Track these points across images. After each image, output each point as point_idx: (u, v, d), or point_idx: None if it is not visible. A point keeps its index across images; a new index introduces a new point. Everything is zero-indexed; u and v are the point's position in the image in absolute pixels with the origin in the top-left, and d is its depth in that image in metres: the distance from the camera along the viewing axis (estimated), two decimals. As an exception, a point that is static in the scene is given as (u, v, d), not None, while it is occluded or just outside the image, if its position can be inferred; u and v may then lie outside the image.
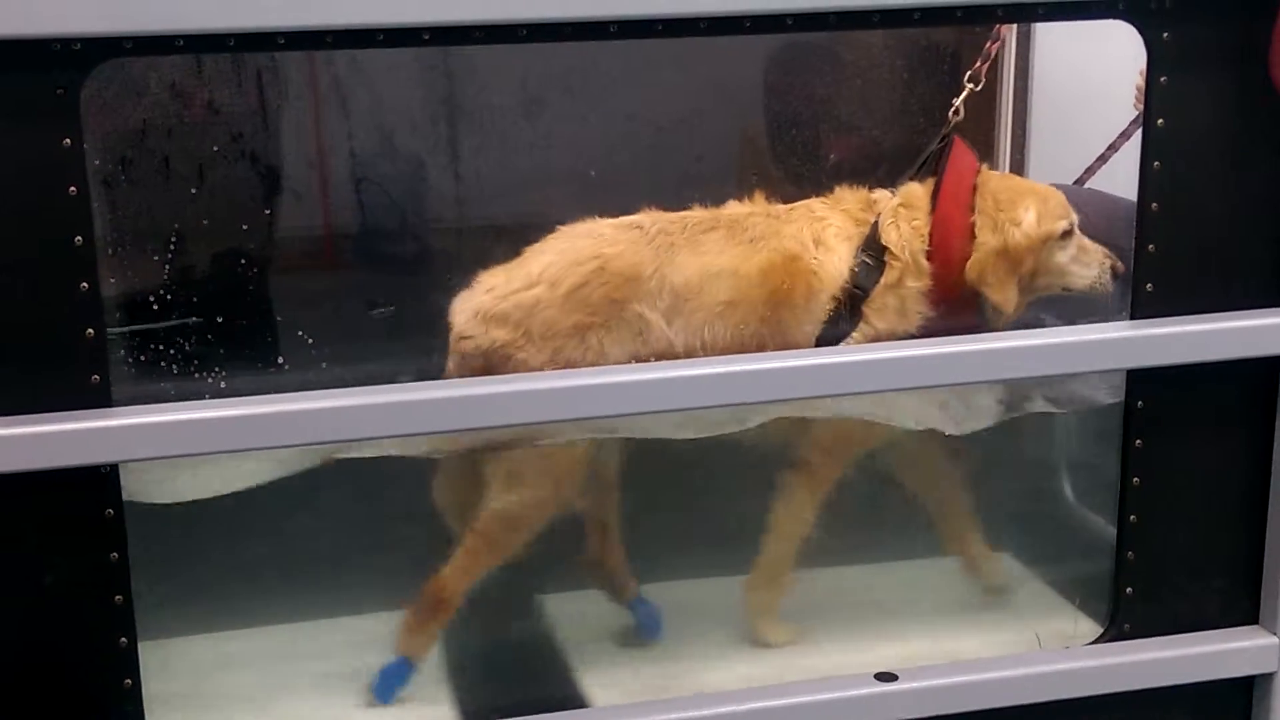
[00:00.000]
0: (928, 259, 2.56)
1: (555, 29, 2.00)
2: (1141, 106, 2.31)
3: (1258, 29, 2.16)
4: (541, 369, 2.44)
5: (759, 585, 2.75)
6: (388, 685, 2.53)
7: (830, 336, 2.54)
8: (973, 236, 2.56)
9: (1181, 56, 2.19)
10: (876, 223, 2.58)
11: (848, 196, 2.64)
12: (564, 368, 2.44)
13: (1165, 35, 2.18)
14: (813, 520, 2.69)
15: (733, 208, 2.62)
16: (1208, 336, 2.28)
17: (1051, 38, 3.32)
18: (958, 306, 2.58)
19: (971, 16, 2.17)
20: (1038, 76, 3.36)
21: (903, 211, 2.58)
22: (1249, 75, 2.20)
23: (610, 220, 2.57)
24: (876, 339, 2.54)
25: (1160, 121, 2.22)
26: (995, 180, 2.63)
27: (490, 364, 2.48)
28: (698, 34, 2.05)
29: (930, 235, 2.56)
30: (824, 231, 2.58)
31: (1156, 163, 2.24)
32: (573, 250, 2.53)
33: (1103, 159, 3.10)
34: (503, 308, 2.49)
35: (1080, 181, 3.21)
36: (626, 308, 2.49)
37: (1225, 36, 2.19)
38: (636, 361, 2.46)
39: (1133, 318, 2.30)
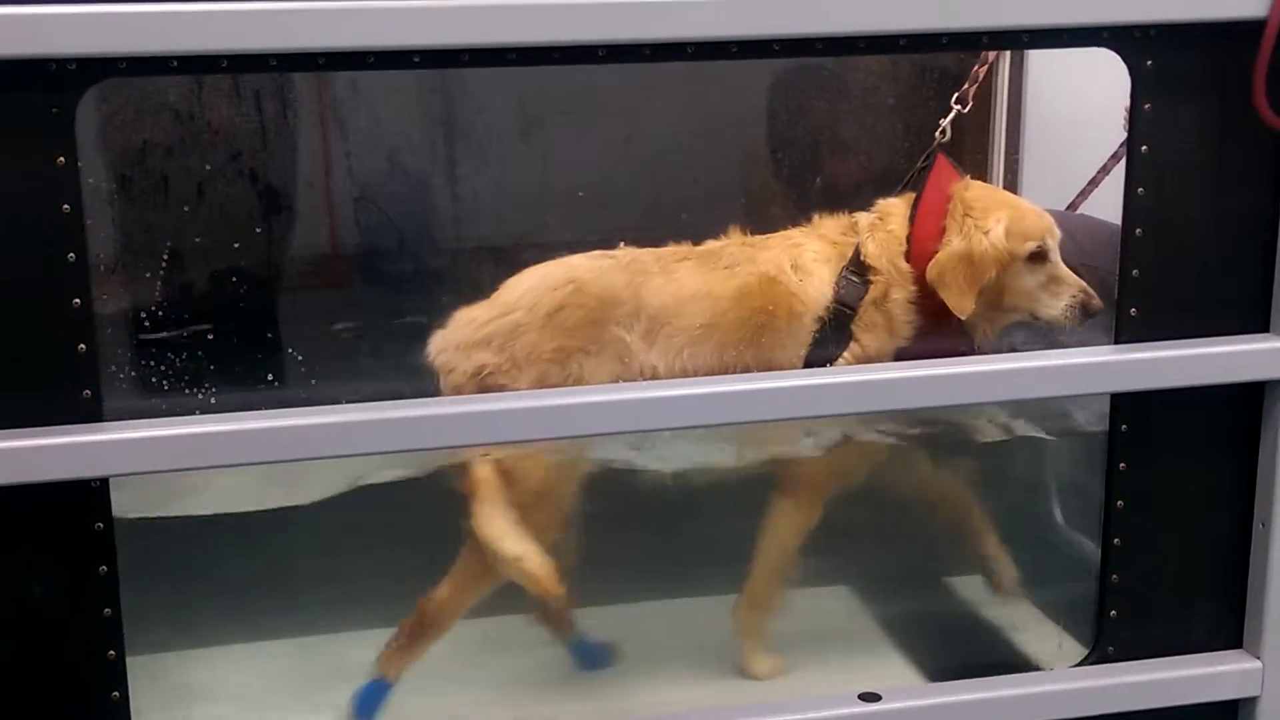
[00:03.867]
0: (908, 260, 2.57)
1: (544, 53, 2.02)
2: (1129, 131, 2.33)
3: (1241, 57, 2.17)
4: None
5: (745, 611, 2.74)
6: (368, 705, 2.54)
7: (818, 358, 2.55)
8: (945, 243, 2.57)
9: (1165, 84, 2.21)
10: (859, 243, 2.61)
11: (827, 223, 2.66)
12: None
13: (1149, 63, 2.20)
14: (799, 545, 2.70)
15: (708, 244, 2.63)
16: (1191, 361, 2.30)
17: (1044, 63, 3.34)
18: (946, 316, 2.57)
19: (957, 43, 2.18)
20: (1031, 101, 3.38)
21: (879, 223, 2.62)
22: (1232, 102, 2.21)
23: (582, 255, 2.59)
24: (865, 359, 2.55)
25: (1144, 148, 2.24)
26: (975, 189, 2.63)
27: (479, 389, 2.49)
28: (685, 59, 2.07)
29: (908, 239, 2.58)
30: (801, 256, 2.60)
31: (1140, 188, 2.26)
32: (548, 275, 2.56)
33: (1094, 183, 3.12)
34: (484, 333, 2.51)
35: (1073, 206, 3.23)
36: (606, 330, 2.50)
37: (1208, 64, 2.21)
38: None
39: (1117, 342, 2.32)
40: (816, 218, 2.66)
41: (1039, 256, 2.57)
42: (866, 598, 2.94)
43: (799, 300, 2.56)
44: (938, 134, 2.70)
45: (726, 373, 2.51)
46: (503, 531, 2.49)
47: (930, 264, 2.55)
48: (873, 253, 2.58)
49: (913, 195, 2.64)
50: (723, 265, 2.58)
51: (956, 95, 2.75)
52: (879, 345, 2.57)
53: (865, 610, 2.92)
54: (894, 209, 2.63)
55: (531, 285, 2.55)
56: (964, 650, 2.83)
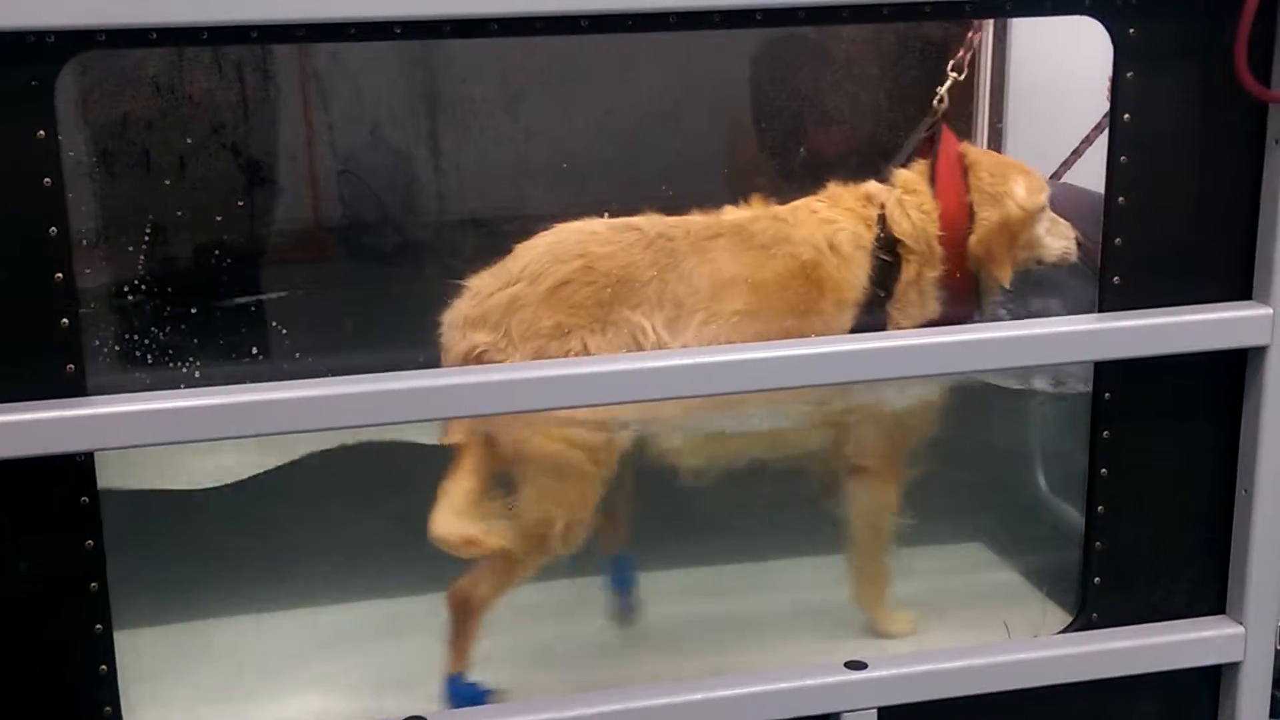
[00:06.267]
0: (940, 243, 2.56)
1: (526, 23, 2.02)
2: (1111, 100, 2.33)
3: (1223, 24, 2.17)
4: None
5: (860, 584, 2.74)
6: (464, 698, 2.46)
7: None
8: (972, 214, 2.58)
9: (1147, 52, 2.21)
10: (884, 218, 2.56)
11: (844, 194, 2.60)
12: None
13: (1131, 31, 2.20)
14: (891, 515, 2.70)
15: (732, 213, 2.55)
16: (1174, 329, 2.31)
17: (1027, 31, 3.34)
18: (962, 287, 2.58)
19: (940, 12, 2.17)
20: (1014, 70, 3.38)
21: (908, 199, 2.57)
22: (1214, 70, 2.22)
23: (607, 220, 2.50)
24: None
25: (1126, 116, 2.25)
26: (983, 156, 2.66)
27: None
28: (667, 29, 2.06)
29: (940, 218, 2.57)
30: (836, 235, 2.53)
31: (1123, 157, 2.27)
32: (559, 246, 2.45)
33: (1077, 152, 3.12)
34: (480, 310, 2.42)
35: (1057, 176, 3.23)
36: (616, 311, 2.41)
37: (1190, 32, 2.21)
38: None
39: (1100, 310, 2.32)
40: (831, 186, 2.61)
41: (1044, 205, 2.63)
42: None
43: (840, 288, 2.50)
44: (935, 103, 2.68)
45: None
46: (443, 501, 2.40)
47: (973, 242, 2.56)
48: (908, 232, 2.54)
49: (923, 165, 2.61)
50: (757, 244, 2.48)
51: (952, 63, 2.74)
52: (911, 324, 2.56)
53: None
54: (917, 183, 2.58)
55: (538, 255, 2.44)
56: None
